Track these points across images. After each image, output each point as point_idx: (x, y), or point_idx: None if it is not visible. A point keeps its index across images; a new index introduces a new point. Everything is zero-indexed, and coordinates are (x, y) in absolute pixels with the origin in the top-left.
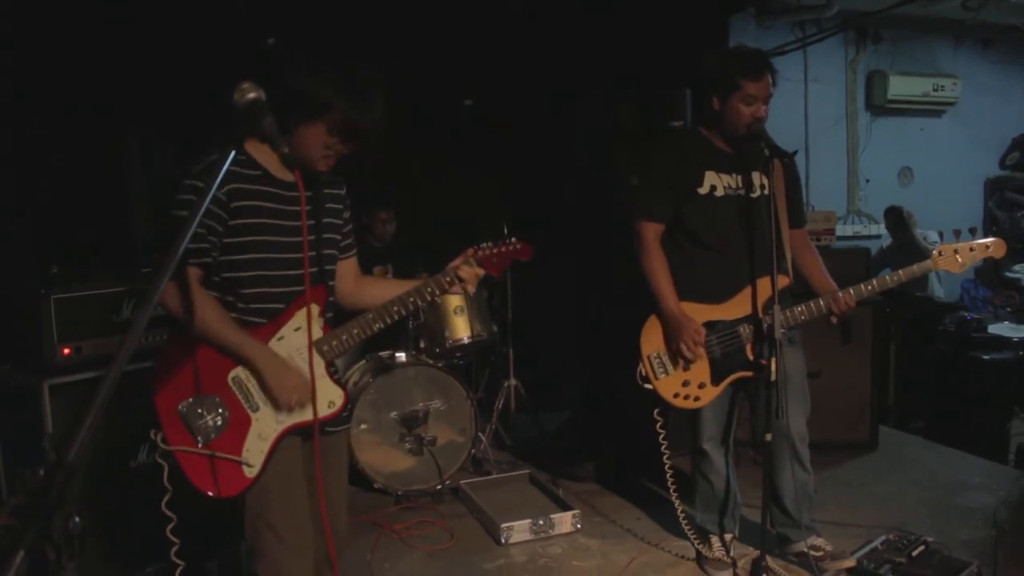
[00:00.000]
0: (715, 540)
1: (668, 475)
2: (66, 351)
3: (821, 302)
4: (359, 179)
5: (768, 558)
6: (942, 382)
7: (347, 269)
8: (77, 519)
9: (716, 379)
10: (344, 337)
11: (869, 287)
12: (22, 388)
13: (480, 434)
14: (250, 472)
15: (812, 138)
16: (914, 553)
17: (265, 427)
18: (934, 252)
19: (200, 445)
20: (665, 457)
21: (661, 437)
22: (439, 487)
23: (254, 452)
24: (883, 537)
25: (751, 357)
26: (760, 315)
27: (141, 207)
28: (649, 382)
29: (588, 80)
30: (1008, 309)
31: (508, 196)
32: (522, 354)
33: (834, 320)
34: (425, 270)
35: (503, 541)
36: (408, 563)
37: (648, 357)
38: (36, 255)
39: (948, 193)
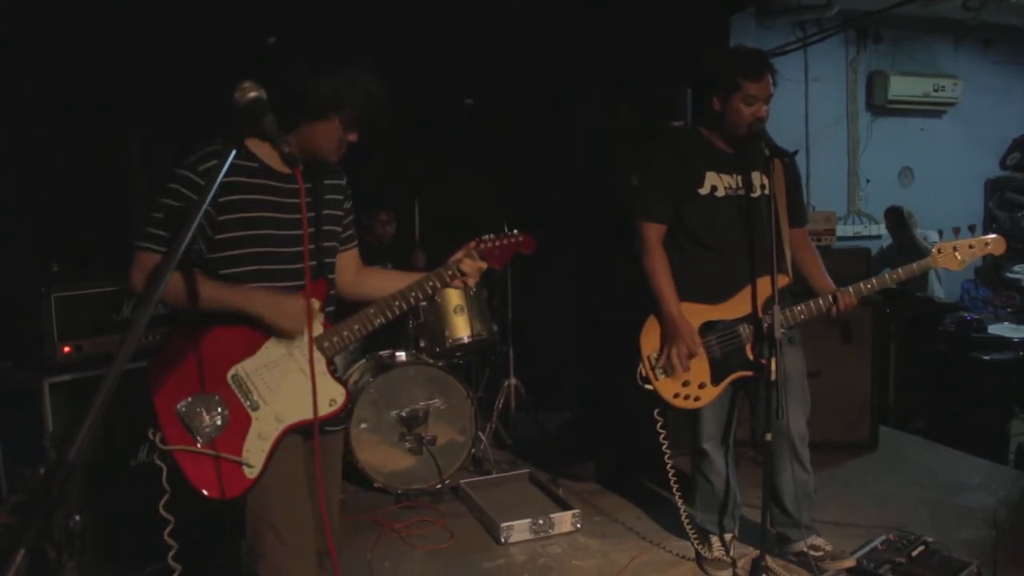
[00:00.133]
0: (715, 540)
1: (671, 474)
2: (66, 349)
3: (821, 302)
4: (359, 179)
5: (768, 558)
6: (942, 382)
7: (348, 261)
8: (77, 518)
9: (716, 379)
10: (345, 333)
11: (869, 286)
12: (22, 386)
13: (480, 433)
14: (251, 473)
15: (812, 138)
16: (914, 553)
17: (265, 426)
18: (933, 250)
19: (200, 445)
20: (667, 456)
21: (661, 437)
22: (439, 486)
23: (255, 452)
24: (883, 537)
25: (751, 357)
26: (760, 315)
27: (141, 207)
28: (649, 382)
29: (588, 80)
30: (1008, 309)
31: (508, 196)
32: (522, 353)
33: (834, 312)
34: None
35: (503, 540)
36: (408, 562)
37: (648, 357)
38: (36, 255)
39: (948, 193)
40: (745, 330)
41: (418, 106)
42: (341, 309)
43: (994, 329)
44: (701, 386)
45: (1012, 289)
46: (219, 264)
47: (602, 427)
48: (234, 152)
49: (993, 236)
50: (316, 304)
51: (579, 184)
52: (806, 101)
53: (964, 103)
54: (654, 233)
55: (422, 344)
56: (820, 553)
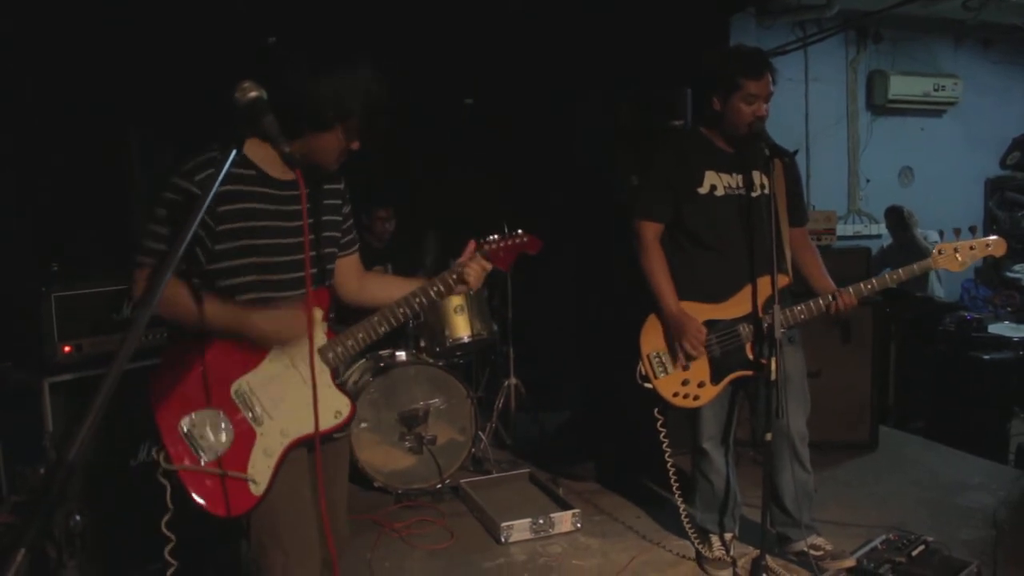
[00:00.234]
0: (715, 539)
1: (671, 474)
2: (66, 349)
3: (821, 301)
4: (359, 179)
5: (768, 557)
6: (942, 382)
7: (349, 266)
8: (78, 517)
9: (716, 378)
10: (350, 343)
11: (869, 286)
12: (22, 386)
13: (480, 433)
14: (256, 489)
15: (813, 138)
16: (914, 553)
17: (271, 442)
18: (934, 251)
19: (204, 463)
20: (667, 456)
21: (661, 436)
22: (439, 486)
23: (260, 468)
24: (883, 537)
25: (751, 356)
26: (760, 314)
27: (141, 207)
28: (649, 381)
29: (588, 80)
30: (1008, 309)
31: (508, 196)
32: (522, 353)
33: (834, 312)
34: (425, 271)
35: (503, 540)
36: (408, 562)
37: (648, 356)
38: (36, 255)
39: (948, 193)
40: (745, 329)
41: (418, 106)
42: (340, 314)
43: (994, 329)
44: (700, 385)
45: (1012, 288)
46: (219, 275)
47: (602, 427)
48: (232, 156)
49: (994, 238)
50: (319, 314)
51: (579, 184)
52: (806, 101)
53: (964, 103)
54: (651, 231)
55: (422, 343)
56: (820, 553)
